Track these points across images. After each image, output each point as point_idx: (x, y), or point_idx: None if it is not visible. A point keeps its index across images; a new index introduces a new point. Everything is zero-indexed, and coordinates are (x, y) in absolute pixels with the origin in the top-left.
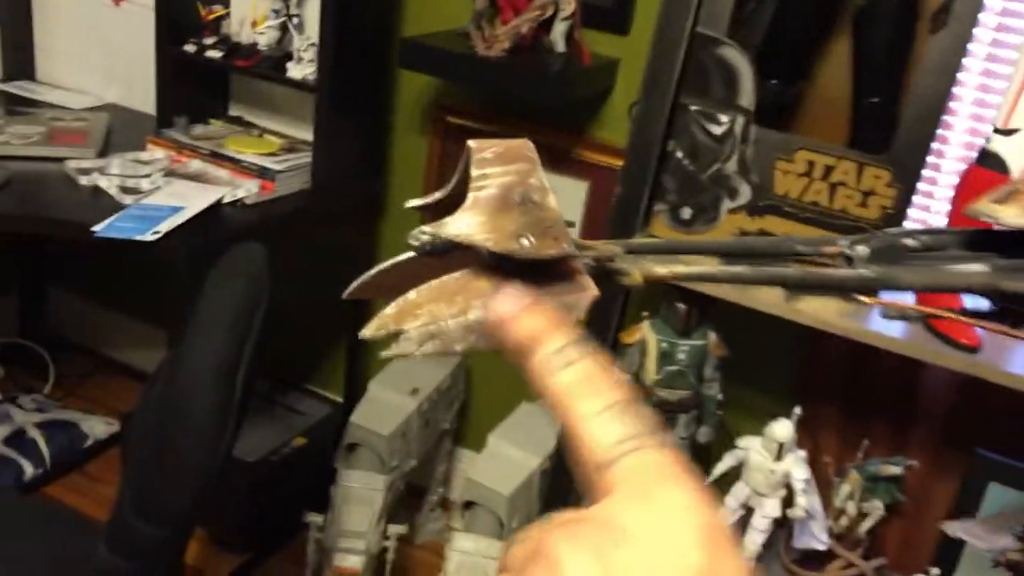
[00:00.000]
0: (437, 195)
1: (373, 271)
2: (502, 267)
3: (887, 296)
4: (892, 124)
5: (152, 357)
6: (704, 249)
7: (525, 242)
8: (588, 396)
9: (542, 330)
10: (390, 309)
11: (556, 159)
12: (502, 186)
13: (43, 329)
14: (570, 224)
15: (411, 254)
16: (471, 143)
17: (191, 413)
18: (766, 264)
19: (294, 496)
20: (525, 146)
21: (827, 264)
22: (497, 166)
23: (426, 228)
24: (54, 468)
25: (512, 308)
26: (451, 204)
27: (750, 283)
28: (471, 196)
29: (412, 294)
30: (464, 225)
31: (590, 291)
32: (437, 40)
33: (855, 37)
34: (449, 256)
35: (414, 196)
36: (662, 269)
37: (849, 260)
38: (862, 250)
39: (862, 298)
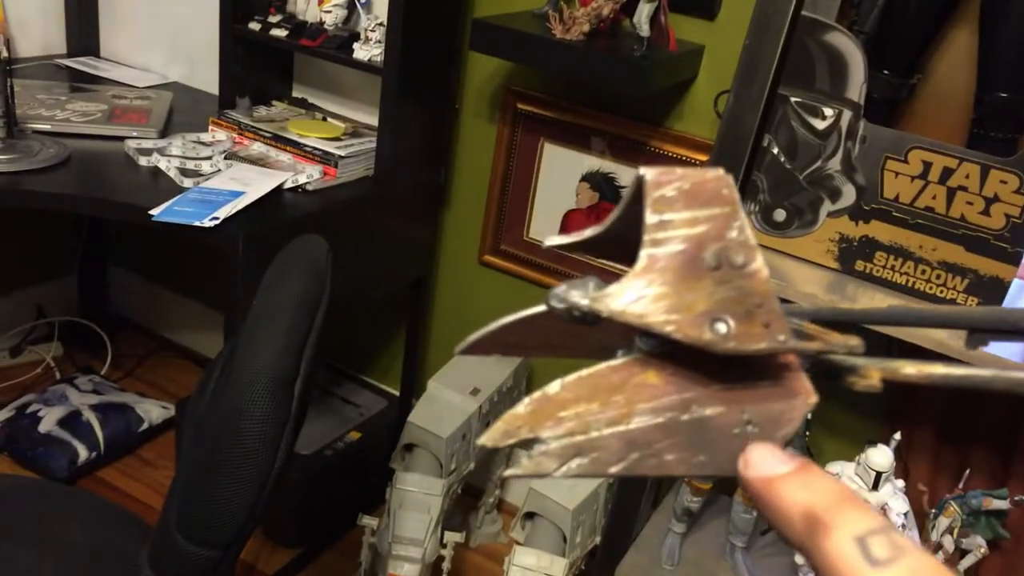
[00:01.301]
0: (587, 233)
1: (495, 325)
2: (678, 354)
3: None
4: (1021, 123)
5: (211, 341)
6: (945, 321)
7: (722, 328)
8: None
9: (831, 503)
10: (522, 408)
11: (631, 152)
12: (690, 241)
13: (102, 309)
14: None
15: (543, 308)
16: (645, 173)
17: (243, 431)
18: None
19: (348, 491)
20: (722, 181)
21: None
22: (683, 210)
23: (578, 296)
24: (108, 452)
25: (781, 466)
26: (604, 243)
27: None
28: (645, 254)
29: (554, 387)
30: (635, 298)
31: (806, 397)
32: (512, 22)
33: (982, 25)
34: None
35: (479, 187)
36: (911, 370)
37: None
38: None
39: None
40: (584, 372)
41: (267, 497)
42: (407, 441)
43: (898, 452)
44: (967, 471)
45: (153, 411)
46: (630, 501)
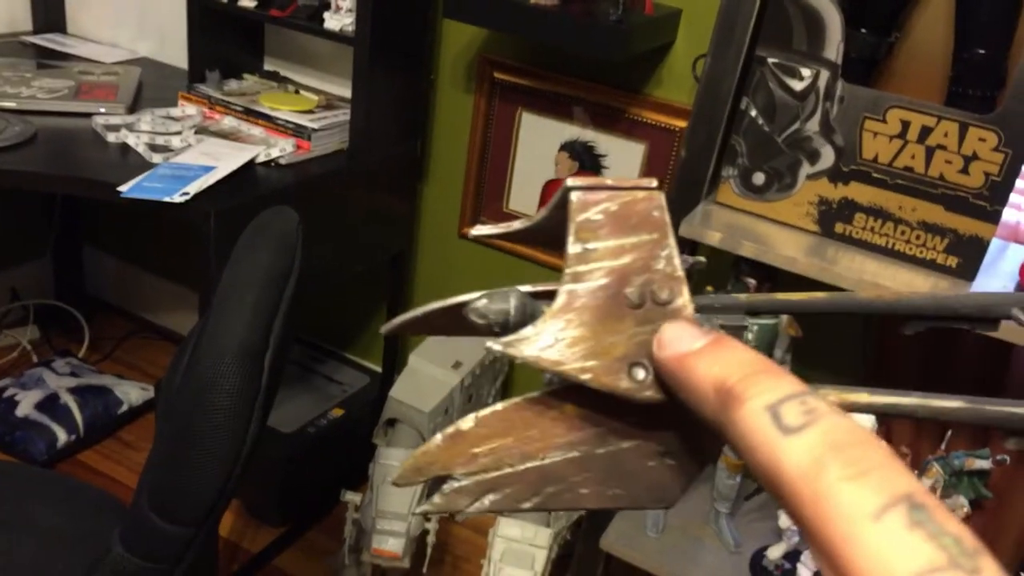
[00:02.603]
0: (515, 225)
1: (424, 309)
2: (599, 393)
3: None
4: (1000, 80)
5: (189, 321)
6: (886, 309)
7: (640, 374)
8: (851, 481)
9: (745, 375)
10: (435, 443)
11: (610, 120)
12: (613, 274)
13: (78, 290)
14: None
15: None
16: (571, 188)
17: (213, 405)
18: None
19: (332, 468)
20: (653, 202)
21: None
22: (609, 237)
23: (495, 319)
24: (88, 435)
25: (693, 342)
26: (535, 234)
27: (974, 423)
28: (565, 290)
29: (467, 423)
30: (550, 343)
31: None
32: None
33: None
34: None
35: (457, 159)
36: (833, 397)
37: None
38: None
39: None
40: (499, 406)
41: (239, 472)
42: (389, 416)
43: (879, 414)
44: (949, 432)
45: (132, 393)
46: None
